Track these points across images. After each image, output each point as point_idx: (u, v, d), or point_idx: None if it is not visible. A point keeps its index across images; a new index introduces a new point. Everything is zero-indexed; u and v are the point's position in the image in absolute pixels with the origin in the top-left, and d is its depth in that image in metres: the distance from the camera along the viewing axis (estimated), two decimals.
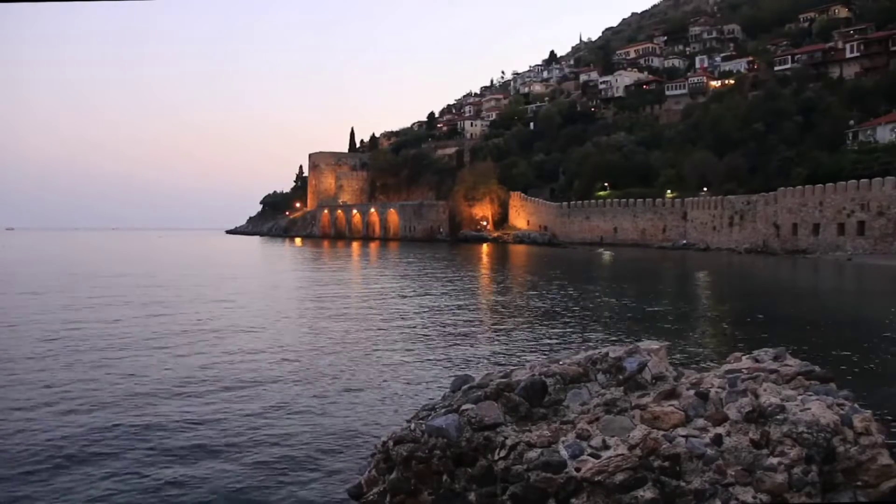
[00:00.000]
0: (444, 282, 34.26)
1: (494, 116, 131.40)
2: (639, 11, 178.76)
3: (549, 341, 16.34)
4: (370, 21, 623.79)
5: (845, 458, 4.97)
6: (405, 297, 27.31)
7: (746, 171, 72.24)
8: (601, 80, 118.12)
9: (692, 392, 5.59)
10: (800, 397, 5.34)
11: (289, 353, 14.96)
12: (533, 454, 5.37)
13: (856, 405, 5.38)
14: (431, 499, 5.68)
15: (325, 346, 15.94)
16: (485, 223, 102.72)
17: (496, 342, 16.47)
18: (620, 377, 5.88)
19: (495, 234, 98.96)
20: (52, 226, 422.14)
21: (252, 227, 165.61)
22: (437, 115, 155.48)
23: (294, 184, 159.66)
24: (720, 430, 5.20)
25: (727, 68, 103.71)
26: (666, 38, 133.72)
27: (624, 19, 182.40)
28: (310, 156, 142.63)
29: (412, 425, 6.16)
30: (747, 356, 6.40)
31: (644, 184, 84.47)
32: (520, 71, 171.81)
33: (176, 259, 61.40)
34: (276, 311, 22.62)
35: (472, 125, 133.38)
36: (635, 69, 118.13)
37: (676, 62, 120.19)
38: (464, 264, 51.27)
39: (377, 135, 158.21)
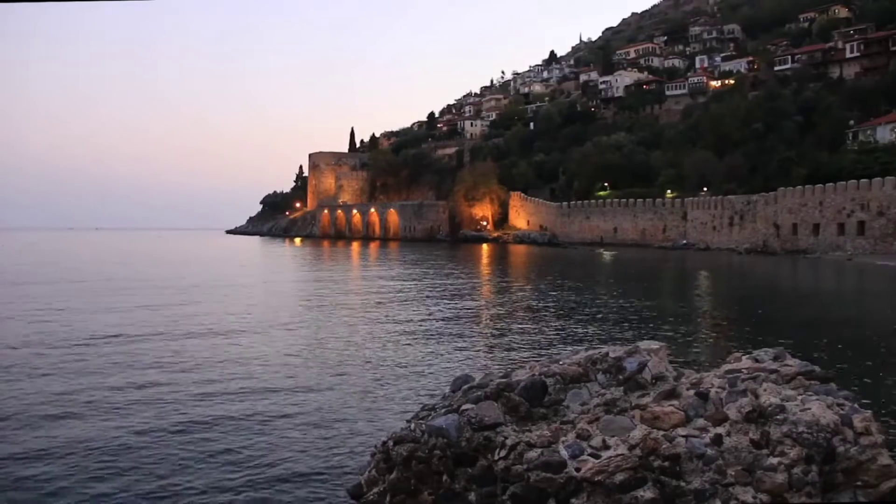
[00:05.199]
0: (443, 282, 34.25)
1: (494, 116, 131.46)
2: (639, 11, 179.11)
3: (549, 341, 16.33)
4: (369, 22, 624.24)
5: (845, 458, 4.97)
6: (405, 297, 27.30)
7: (746, 171, 72.23)
8: (601, 80, 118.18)
9: (692, 392, 5.59)
10: (800, 397, 5.33)
11: (288, 353, 14.95)
12: (533, 454, 5.37)
13: (856, 405, 5.37)
14: (431, 499, 5.68)
15: (325, 346, 15.94)
16: (485, 223, 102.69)
17: (496, 342, 16.47)
18: (620, 377, 5.88)
19: (495, 235, 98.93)
20: (46, 225, 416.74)
21: (252, 227, 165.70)
22: (437, 115, 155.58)
23: (294, 184, 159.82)
24: (720, 430, 5.20)
25: (727, 68, 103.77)
26: (666, 38, 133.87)
27: (624, 19, 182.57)
28: (310, 156, 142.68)
29: (412, 425, 6.15)
30: (747, 356, 6.40)
31: (644, 184, 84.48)
32: (520, 71, 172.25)
33: (173, 261, 61.36)
34: (275, 312, 22.61)
35: (472, 125, 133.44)
36: (635, 69, 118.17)
37: (676, 62, 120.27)
38: (464, 264, 51.25)
39: (377, 135, 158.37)
